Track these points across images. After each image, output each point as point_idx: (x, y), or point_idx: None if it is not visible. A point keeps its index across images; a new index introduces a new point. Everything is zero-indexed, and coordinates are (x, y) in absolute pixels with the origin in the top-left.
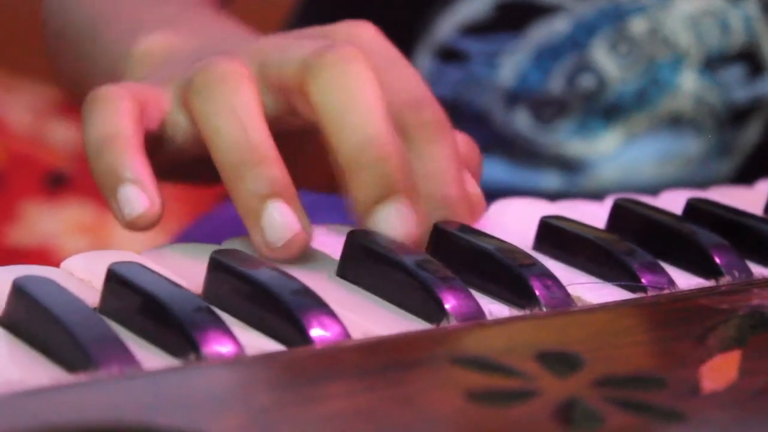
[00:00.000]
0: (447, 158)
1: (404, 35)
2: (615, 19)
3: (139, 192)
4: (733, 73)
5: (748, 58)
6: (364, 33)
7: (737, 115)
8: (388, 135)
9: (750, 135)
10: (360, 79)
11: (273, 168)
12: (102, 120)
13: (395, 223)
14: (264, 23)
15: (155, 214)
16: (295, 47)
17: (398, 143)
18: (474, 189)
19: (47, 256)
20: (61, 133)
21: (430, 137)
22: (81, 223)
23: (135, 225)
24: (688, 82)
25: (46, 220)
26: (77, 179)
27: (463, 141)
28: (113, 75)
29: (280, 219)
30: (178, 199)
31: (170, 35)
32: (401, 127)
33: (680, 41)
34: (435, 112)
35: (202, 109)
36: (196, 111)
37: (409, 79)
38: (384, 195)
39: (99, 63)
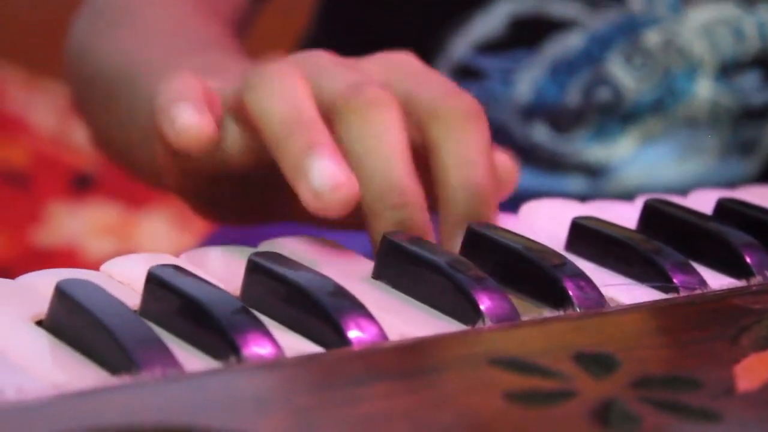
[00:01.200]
0: (478, 146)
1: (420, 55)
2: (629, 32)
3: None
4: (749, 79)
5: (763, 63)
6: (399, 57)
7: (754, 116)
8: (408, 181)
9: None
10: (384, 125)
11: (317, 131)
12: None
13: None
14: (278, 44)
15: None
16: (330, 80)
17: (418, 189)
18: (506, 161)
19: (73, 257)
20: (86, 135)
21: (463, 125)
22: (106, 224)
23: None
24: (704, 90)
25: (71, 221)
26: (103, 181)
27: (502, 159)
28: (148, 124)
29: (326, 167)
30: None
31: (201, 76)
32: (435, 116)
33: (695, 50)
34: (468, 101)
35: (254, 97)
36: (249, 101)
37: (443, 79)
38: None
39: (134, 111)
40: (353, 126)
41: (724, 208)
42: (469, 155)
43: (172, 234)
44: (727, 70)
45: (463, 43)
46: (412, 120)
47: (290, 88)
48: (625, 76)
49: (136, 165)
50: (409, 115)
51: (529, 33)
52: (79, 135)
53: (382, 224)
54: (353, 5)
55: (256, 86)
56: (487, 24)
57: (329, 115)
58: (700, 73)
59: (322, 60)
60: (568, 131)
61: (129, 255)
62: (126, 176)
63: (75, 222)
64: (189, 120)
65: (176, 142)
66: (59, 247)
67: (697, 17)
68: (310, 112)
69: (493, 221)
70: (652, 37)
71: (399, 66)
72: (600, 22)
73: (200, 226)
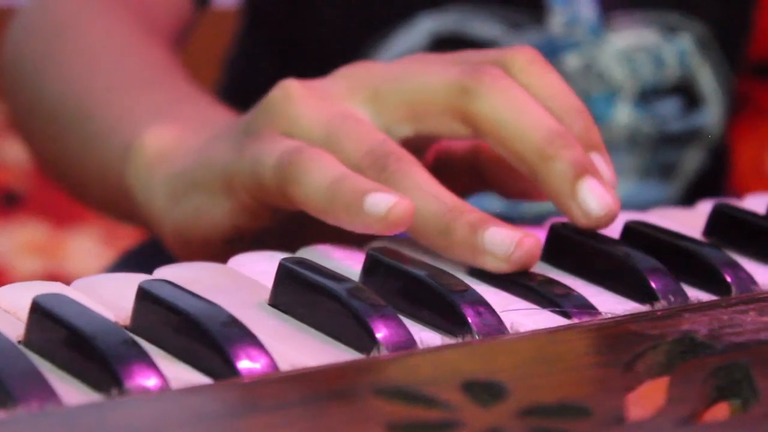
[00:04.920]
0: (563, 81)
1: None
2: (549, 54)
3: (385, 193)
4: (669, 106)
5: (683, 91)
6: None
7: (673, 141)
8: (564, 128)
9: (689, 160)
10: (521, 90)
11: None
12: (327, 167)
13: (599, 195)
14: (206, 59)
15: (408, 205)
16: (433, 73)
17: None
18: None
19: (0, 275)
20: (14, 152)
21: (538, 66)
22: (34, 242)
23: (390, 218)
24: (623, 115)
25: None
26: (30, 199)
27: None
28: (108, 162)
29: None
30: None
31: (176, 129)
32: (510, 68)
33: (614, 76)
34: (529, 49)
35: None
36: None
37: (488, 51)
38: (579, 175)
39: (90, 146)
40: (493, 96)
41: (631, 230)
42: (558, 86)
43: (100, 251)
44: (647, 96)
45: (385, 58)
46: None
47: (418, 176)
48: None
49: (91, 200)
50: None
51: (448, 50)
52: (5, 152)
53: (559, 165)
54: (277, 20)
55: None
56: (408, 40)
57: (462, 100)
58: (620, 98)
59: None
60: None
61: (16, 283)
62: (54, 194)
63: (2, 240)
64: (391, 202)
65: (385, 227)
66: None
67: (617, 43)
68: (449, 197)
69: (601, 144)
70: (572, 61)
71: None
72: (520, 42)
73: (127, 244)
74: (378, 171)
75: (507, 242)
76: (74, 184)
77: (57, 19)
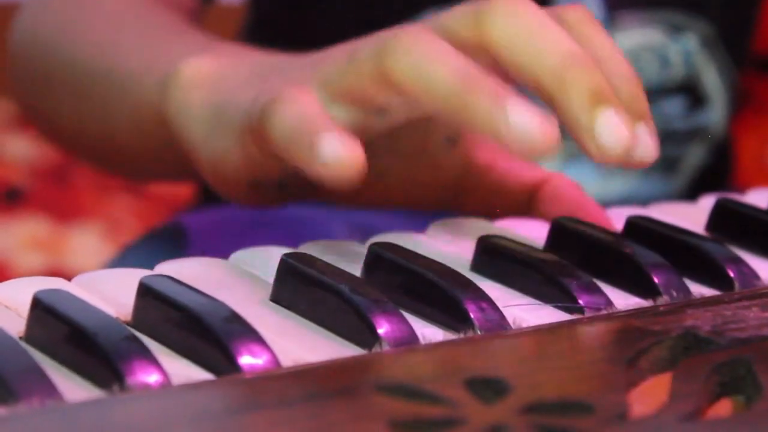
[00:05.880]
0: (613, 44)
1: None
2: None
3: (339, 139)
4: (673, 105)
5: (688, 90)
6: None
7: (676, 138)
8: (585, 52)
9: (692, 156)
10: (538, 12)
11: (499, 82)
12: (297, 111)
13: (616, 126)
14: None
15: (358, 157)
16: (453, 10)
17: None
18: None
19: (2, 272)
20: (16, 148)
21: (594, 30)
22: (35, 238)
23: (338, 171)
24: None
25: (0, 235)
26: (32, 195)
27: None
28: (143, 106)
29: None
30: (133, 213)
31: (213, 59)
32: (564, 24)
33: None
34: (582, 8)
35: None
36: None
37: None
38: (598, 102)
39: (120, 93)
40: (509, 19)
41: (633, 225)
42: (610, 46)
43: (101, 247)
44: (651, 95)
45: None
46: None
47: (438, 43)
48: None
49: (118, 157)
50: None
51: None
52: (7, 148)
53: (577, 93)
54: (281, 17)
55: (398, 52)
56: None
57: (481, 28)
58: None
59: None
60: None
61: (18, 279)
62: (55, 190)
63: (4, 236)
64: (339, 153)
65: (325, 174)
66: None
67: (622, 42)
68: (474, 66)
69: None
70: None
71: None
72: None
73: (128, 239)
74: (393, 43)
75: (531, 123)
76: (99, 148)
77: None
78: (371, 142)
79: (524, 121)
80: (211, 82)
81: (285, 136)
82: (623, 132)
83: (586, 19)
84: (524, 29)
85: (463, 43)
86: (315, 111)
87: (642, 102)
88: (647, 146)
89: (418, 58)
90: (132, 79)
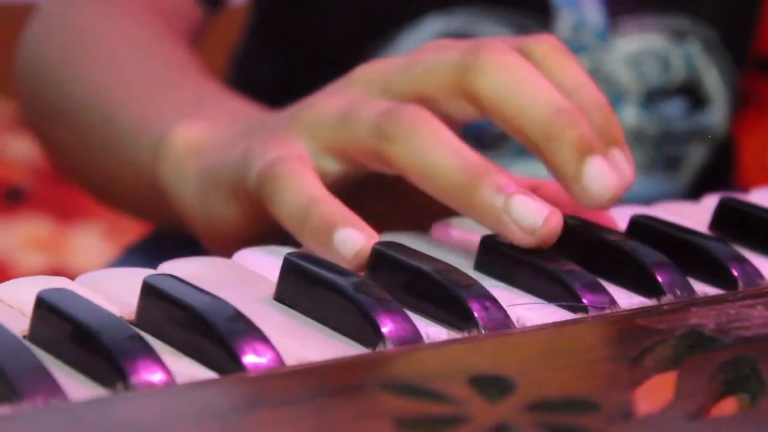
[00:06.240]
0: (584, 71)
1: (348, 69)
2: None
3: (355, 231)
4: (674, 107)
5: (689, 92)
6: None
7: (678, 140)
8: (571, 103)
9: (694, 155)
10: (524, 64)
11: (500, 174)
12: (300, 188)
13: (607, 174)
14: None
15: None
16: (438, 56)
17: (581, 111)
18: None
19: (4, 272)
20: (17, 148)
21: (559, 56)
22: (38, 238)
23: (357, 261)
24: (629, 117)
25: (2, 235)
26: (34, 195)
27: None
28: (138, 162)
29: (530, 207)
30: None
31: (201, 127)
32: (530, 56)
33: (621, 80)
34: (550, 38)
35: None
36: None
37: (506, 38)
38: (584, 152)
39: (115, 149)
40: (496, 72)
41: (637, 224)
42: (580, 77)
43: (104, 247)
44: (652, 97)
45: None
46: None
47: (441, 134)
48: None
49: (118, 200)
50: None
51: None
52: (9, 148)
53: (564, 145)
54: (283, 20)
55: (399, 137)
56: (414, 42)
57: (465, 79)
58: (626, 101)
59: (393, 63)
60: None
61: (22, 278)
62: (58, 189)
63: (6, 236)
64: (358, 247)
65: (341, 260)
66: None
67: (624, 47)
68: (476, 156)
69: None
70: None
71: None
72: None
73: (131, 239)
74: (394, 126)
75: (536, 215)
76: (99, 187)
77: (75, 21)
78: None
79: (527, 215)
80: (202, 150)
81: (295, 220)
82: (612, 180)
83: (556, 49)
84: (510, 83)
85: (447, 90)
86: (322, 194)
87: (615, 128)
88: (623, 169)
89: (419, 147)
90: (126, 135)
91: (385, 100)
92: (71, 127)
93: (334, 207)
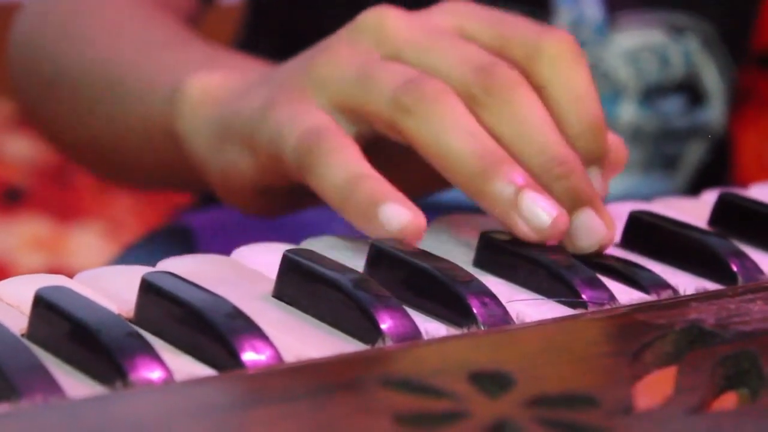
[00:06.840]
0: (588, 80)
1: None
2: None
3: (401, 206)
4: (673, 103)
5: (688, 88)
6: (456, 5)
7: (676, 136)
8: (566, 150)
9: (692, 152)
10: (527, 102)
11: (514, 165)
12: (345, 163)
13: (595, 228)
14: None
15: (420, 223)
16: (450, 63)
17: (576, 155)
18: (616, 139)
19: (3, 272)
20: (16, 148)
21: (568, 61)
22: (36, 238)
23: (402, 236)
24: (627, 114)
25: (0, 235)
26: (33, 195)
27: (611, 138)
28: (149, 120)
29: (540, 205)
30: (134, 213)
31: (219, 74)
32: (538, 56)
33: (619, 75)
34: (567, 37)
35: (424, 127)
36: (416, 130)
37: (520, 18)
38: (576, 205)
39: (126, 107)
40: (498, 110)
41: (636, 220)
42: (581, 89)
43: (102, 247)
44: (651, 94)
45: None
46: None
47: (459, 115)
48: None
49: (124, 166)
50: (505, 58)
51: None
52: (8, 148)
53: (558, 189)
54: (279, 17)
55: (419, 113)
56: None
57: (476, 101)
58: (624, 98)
59: (416, 34)
60: None
61: (19, 276)
62: (56, 189)
63: (5, 236)
64: (405, 223)
65: (386, 236)
66: None
67: (623, 43)
68: (492, 143)
69: (607, 159)
70: None
71: (468, 13)
72: None
73: (129, 239)
74: (413, 100)
75: (544, 214)
76: (104, 160)
77: (68, 6)
78: (379, 146)
79: (537, 213)
80: (217, 97)
81: (338, 195)
82: (600, 232)
83: (569, 54)
84: (516, 119)
85: (386, 114)
86: (368, 170)
87: (598, 150)
88: (597, 187)
89: (436, 126)
90: (137, 93)
91: (403, 65)
92: (72, 99)
93: (380, 183)
